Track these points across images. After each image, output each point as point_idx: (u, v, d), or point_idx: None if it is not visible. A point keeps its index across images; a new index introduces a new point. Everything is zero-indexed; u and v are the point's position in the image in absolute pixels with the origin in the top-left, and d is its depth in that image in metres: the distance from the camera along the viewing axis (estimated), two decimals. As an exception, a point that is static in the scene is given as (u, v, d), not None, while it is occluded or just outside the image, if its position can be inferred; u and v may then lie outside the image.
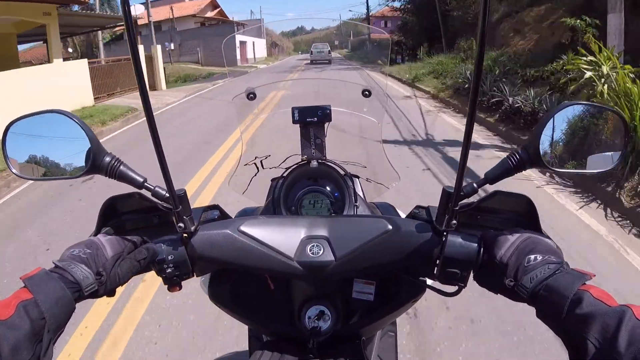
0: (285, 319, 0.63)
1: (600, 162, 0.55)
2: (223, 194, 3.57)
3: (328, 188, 0.75)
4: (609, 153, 0.55)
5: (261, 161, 0.86)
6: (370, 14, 28.46)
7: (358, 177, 0.82)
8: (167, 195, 0.49)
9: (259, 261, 0.54)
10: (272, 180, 0.81)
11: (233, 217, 0.67)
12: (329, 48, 20.59)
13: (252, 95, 0.79)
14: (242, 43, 27.77)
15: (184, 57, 26.95)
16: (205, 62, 26.21)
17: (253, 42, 30.70)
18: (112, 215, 0.58)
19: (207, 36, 26.50)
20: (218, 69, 23.72)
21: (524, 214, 0.56)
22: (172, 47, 27.15)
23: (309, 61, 15.56)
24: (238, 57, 25.87)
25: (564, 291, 0.41)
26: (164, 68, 13.35)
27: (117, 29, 32.94)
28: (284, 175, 0.77)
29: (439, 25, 15.46)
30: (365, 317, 0.64)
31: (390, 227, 0.54)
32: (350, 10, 39.40)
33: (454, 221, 0.50)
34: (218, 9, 33.23)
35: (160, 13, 28.62)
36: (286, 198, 0.75)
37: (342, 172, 0.76)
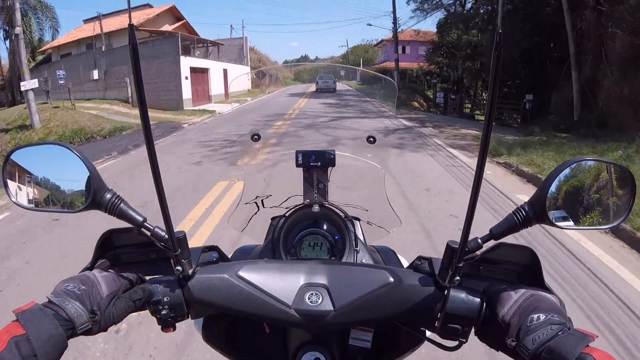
0: None
1: (607, 218, 0.56)
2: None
3: (328, 230, 0.76)
4: (616, 207, 0.56)
5: (262, 200, 0.89)
6: (386, 37, 20.08)
7: (359, 220, 0.86)
8: (166, 237, 0.50)
9: (255, 308, 0.54)
10: (272, 219, 0.83)
11: (231, 251, 0.72)
12: (334, 79, 21.03)
13: (256, 137, 0.85)
14: (199, 71, 17.55)
15: (112, 91, 17.33)
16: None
17: (224, 70, 20.54)
18: (108, 248, 0.59)
19: (140, 58, 16.81)
20: (151, 114, 14.33)
21: (527, 266, 0.56)
22: (96, 77, 17.92)
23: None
24: (187, 95, 15.88)
25: (566, 354, 0.40)
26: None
27: (46, 47, 24.19)
28: (286, 215, 0.78)
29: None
30: None
31: (391, 279, 0.54)
32: (370, 25, 31.88)
33: (457, 277, 0.50)
34: (182, 22, 22.65)
35: (91, 27, 19.54)
36: (286, 239, 0.76)
37: (342, 215, 0.78)
